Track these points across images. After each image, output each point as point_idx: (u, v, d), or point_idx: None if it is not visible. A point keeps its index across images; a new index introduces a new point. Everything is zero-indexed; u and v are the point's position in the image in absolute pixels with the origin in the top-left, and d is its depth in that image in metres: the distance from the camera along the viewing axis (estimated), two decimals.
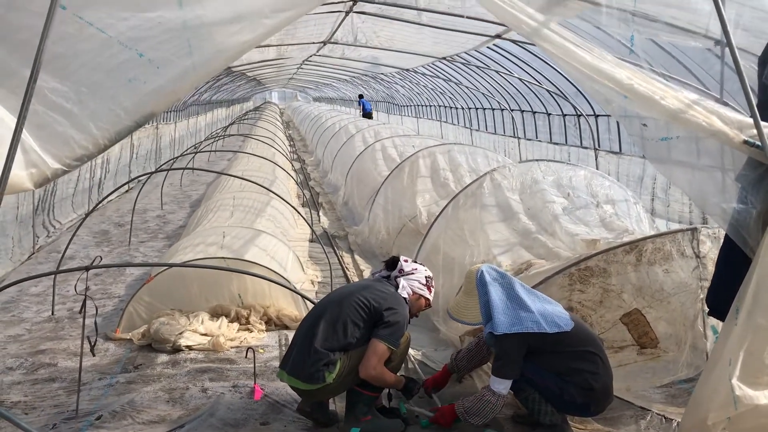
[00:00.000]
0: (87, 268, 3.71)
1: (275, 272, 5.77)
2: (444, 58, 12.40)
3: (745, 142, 3.21)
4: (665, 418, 4.05)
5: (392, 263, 4.20)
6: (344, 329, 3.85)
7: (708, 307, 3.66)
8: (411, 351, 5.24)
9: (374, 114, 29.19)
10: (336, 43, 10.88)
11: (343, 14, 8.07)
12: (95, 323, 4.23)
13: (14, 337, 5.55)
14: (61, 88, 2.89)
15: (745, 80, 2.96)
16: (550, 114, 13.54)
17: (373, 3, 7.30)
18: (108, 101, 2.96)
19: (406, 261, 4.20)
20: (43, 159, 2.90)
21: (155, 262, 7.19)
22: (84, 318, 3.83)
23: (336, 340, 3.82)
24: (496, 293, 3.82)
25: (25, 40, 2.80)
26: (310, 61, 15.82)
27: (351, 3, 7.32)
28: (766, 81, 3.38)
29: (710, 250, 4.08)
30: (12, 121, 2.72)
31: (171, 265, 5.54)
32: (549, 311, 3.74)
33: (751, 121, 3.27)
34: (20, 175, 2.87)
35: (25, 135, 2.82)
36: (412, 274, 4.15)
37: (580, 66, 3.28)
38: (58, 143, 2.91)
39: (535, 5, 3.62)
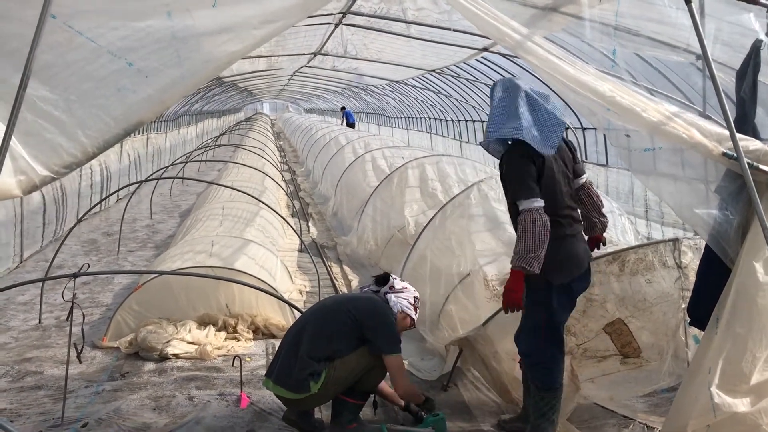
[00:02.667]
0: (75, 275, 3.73)
1: (263, 281, 5.79)
2: (433, 71, 12.50)
3: (724, 154, 3.27)
4: (647, 426, 4.09)
5: (384, 280, 4.23)
6: (329, 338, 3.88)
7: (689, 317, 3.71)
8: None
9: (365, 126, 29.49)
10: (326, 54, 10.96)
11: (333, 26, 8.15)
12: (82, 331, 4.24)
13: (1, 345, 5.54)
14: (51, 97, 2.93)
15: (721, 93, 3.03)
16: None
17: (362, 15, 7.37)
18: (97, 110, 2.99)
19: (395, 278, 4.24)
20: (31, 166, 2.92)
21: (143, 269, 7.18)
22: (71, 325, 3.85)
23: (321, 349, 3.85)
24: (497, 101, 3.70)
25: (15, 48, 2.83)
26: (300, 72, 15.89)
27: (340, 15, 7.40)
28: (743, 95, 3.46)
29: (692, 260, 4.14)
30: (0, 129, 2.75)
31: (159, 273, 5.55)
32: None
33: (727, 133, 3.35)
34: (8, 182, 2.89)
35: (14, 142, 2.84)
36: (402, 292, 4.19)
37: (564, 79, 3.34)
38: (47, 151, 2.93)
39: (520, 19, 3.70)
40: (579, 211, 3.85)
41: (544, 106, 3.66)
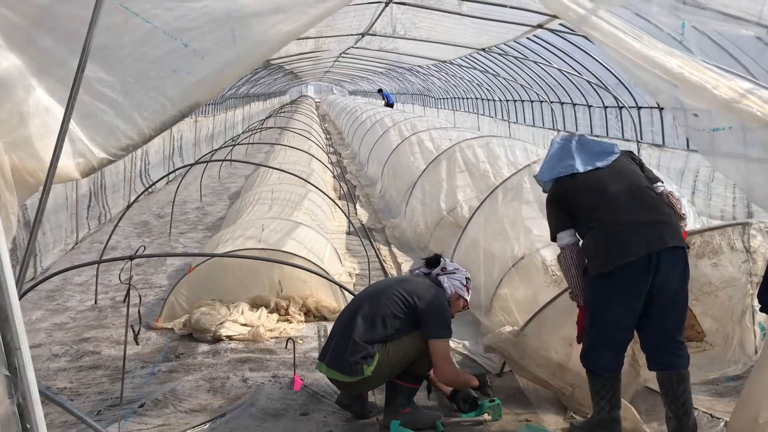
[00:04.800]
0: (131, 258, 3.76)
1: (314, 264, 5.79)
2: (483, 50, 12.25)
3: None
4: (712, 416, 3.96)
5: (435, 261, 4.17)
6: (383, 322, 3.83)
7: (760, 302, 3.55)
8: (451, 344, 5.21)
9: (410, 107, 29.45)
10: (374, 35, 10.84)
11: (383, 5, 8.03)
12: (139, 313, 4.29)
13: (59, 324, 5.66)
14: (107, 79, 2.91)
15: None
16: (590, 106, 13.32)
17: None
18: (153, 91, 2.97)
19: (445, 260, 4.18)
20: (89, 149, 2.92)
21: (197, 252, 7.26)
22: (128, 307, 3.88)
23: (375, 332, 3.81)
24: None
25: (72, 30, 2.81)
26: (347, 53, 15.81)
27: None
28: None
29: (761, 244, 3.95)
30: (60, 112, 2.74)
31: (212, 255, 5.60)
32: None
33: None
34: (68, 164, 2.90)
35: (72, 125, 2.84)
36: (454, 273, 4.13)
37: (630, 54, 3.20)
38: (104, 133, 2.93)
39: None
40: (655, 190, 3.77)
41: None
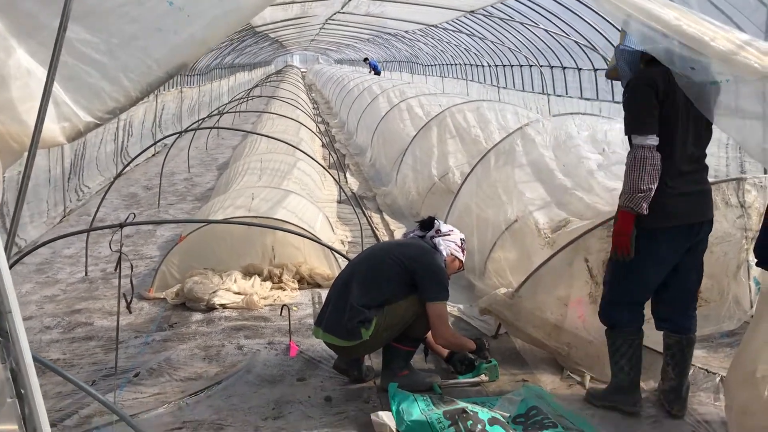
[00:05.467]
0: (121, 225, 3.69)
1: (308, 231, 5.74)
2: (472, 12, 12.09)
3: None
4: (708, 371, 3.98)
5: (429, 224, 4.14)
6: (379, 286, 3.81)
7: (756, 257, 3.54)
8: (447, 307, 5.21)
9: (398, 75, 29.25)
10: None
11: None
12: (131, 281, 4.24)
13: (50, 297, 5.60)
14: (92, 40, 2.83)
15: None
16: (580, 69, 13.22)
17: None
18: (139, 52, 2.89)
19: (439, 222, 4.14)
20: (75, 112, 2.85)
21: (188, 218, 7.18)
22: (120, 276, 3.83)
23: (371, 296, 3.79)
24: None
25: None
26: (333, 19, 15.58)
27: None
28: None
29: (756, 199, 3.94)
30: (42, 74, 2.66)
31: (206, 222, 5.55)
32: None
33: None
34: (53, 128, 2.83)
35: (57, 88, 2.77)
36: (449, 235, 4.10)
37: (624, 5, 3.13)
38: (90, 96, 2.86)
39: None
40: (705, 159, 3.51)
41: None
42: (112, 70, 2.86)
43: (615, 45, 3.53)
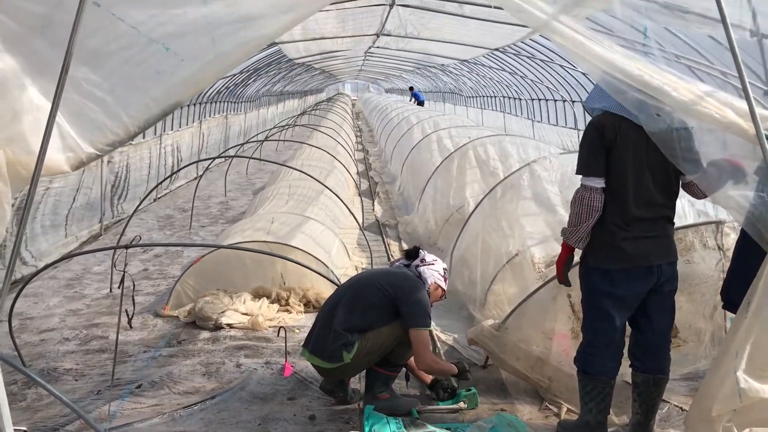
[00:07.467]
0: (126, 247, 4.02)
1: (315, 257, 6.00)
2: (497, 49, 12.37)
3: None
4: (682, 409, 4.05)
5: (414, 253, 4.36)
6: (363, 311, 4.02)
7: (722, 300, 3.64)
8: (442, 336, 5.40)
9: (441, 106, 29.60)
10: (389, 35, 11.06)
11: (388, 7, 8.23)
12: (132, 298, 4.57)
13: (74, 311, 5.98)
14: (96, 79, 3.15)
15: (741, 67, 2.94)
16: None
17: None
18: (137, 91, 3.21)
19: (424, 252, 4.37)
20: (78, 144, 3.17)
21: (193, 242, 7.54)
22: (122, 293, 4.16)
23: (355, 321, 4.00)
24: None
25: (65, 36, 3.06)
26: (371, 53, 16.04)
27: None
28: None
29: (734, 242, 4.04)
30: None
31: (211, 246, 5.91)
32: None
33: (766, 113, 3.26)
34: (58, 158, 3.15)
35: (63, 122, 3.10)
36: (433, 264, 4.31)
37: (591, 58, 3.32)
38: (92, 130, 3.17)
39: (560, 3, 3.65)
40: (670, 210, 3.61)
41: None
42: (114, 107, 3.18)
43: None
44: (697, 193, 3.57)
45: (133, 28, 3.17)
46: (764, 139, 2.92)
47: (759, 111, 3.23)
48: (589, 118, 3.72)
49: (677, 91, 3.26)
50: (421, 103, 27.19)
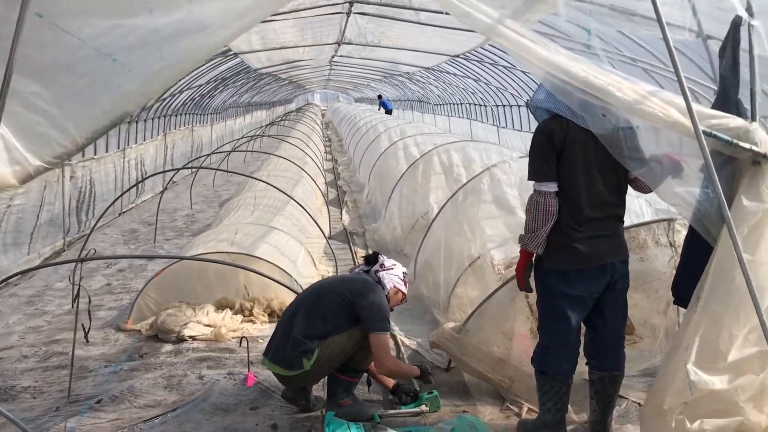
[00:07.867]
0: (81, 260, 3.99)
1: (279, 267, 5.99)
2: (457, 56, 12.48)
3: (703, 132, 3.26)
4: (640, 404, 4.11)
5: (373, 259, 4.38)
6: (322, 318, 4.02)
7: (673, 295, 3.71)
8: (406, 340, 5.42)
9: (410, 114, 29.78)
10: (350, 43, 11.11)
11: (345, 15, 8.29)
12: (89, 312, 4.53)
13: (34, 328, 5.89)
14: (42, 92, 3.12)
15: (679, 69, 3.02)
16: None
17: (370, 4, 7.47)
18: (85, 103, 3.19)
19: (383, 257, 4.39)
20: (25, 157, 3.14)
21: (153, 254, 7.49)
22: (77, 307, 4.12)
23: (314, 328, 4.00)
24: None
25: (6, 48, 3.04)
26: (336, 62, 16.07)
27: (348, 4, 7.51)
28: (724, 72, 3.43)
29: None
30: None
31: (168, 257, 5.85)
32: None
33: (709, 111, 3.34)
34: (5, 171, 3.11)
35: (9, 135, 3.07)
36: (392, 269, 4.33)
37: (536, 61, 3.37)
38: (40, 142, 3.14)
39: (511, 6, 3.72)
40: (620, 208, 3.65)
41: None
42: (61, 119, 3.15)
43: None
44: (643, 187, 3.64)
45: (80, 40, 3.16)
46: (702, 136, 2.99)
47: (700, 109, 3.33)
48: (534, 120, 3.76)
49: (621, 91, 3.33)
50: (389, 112, 27.31)
